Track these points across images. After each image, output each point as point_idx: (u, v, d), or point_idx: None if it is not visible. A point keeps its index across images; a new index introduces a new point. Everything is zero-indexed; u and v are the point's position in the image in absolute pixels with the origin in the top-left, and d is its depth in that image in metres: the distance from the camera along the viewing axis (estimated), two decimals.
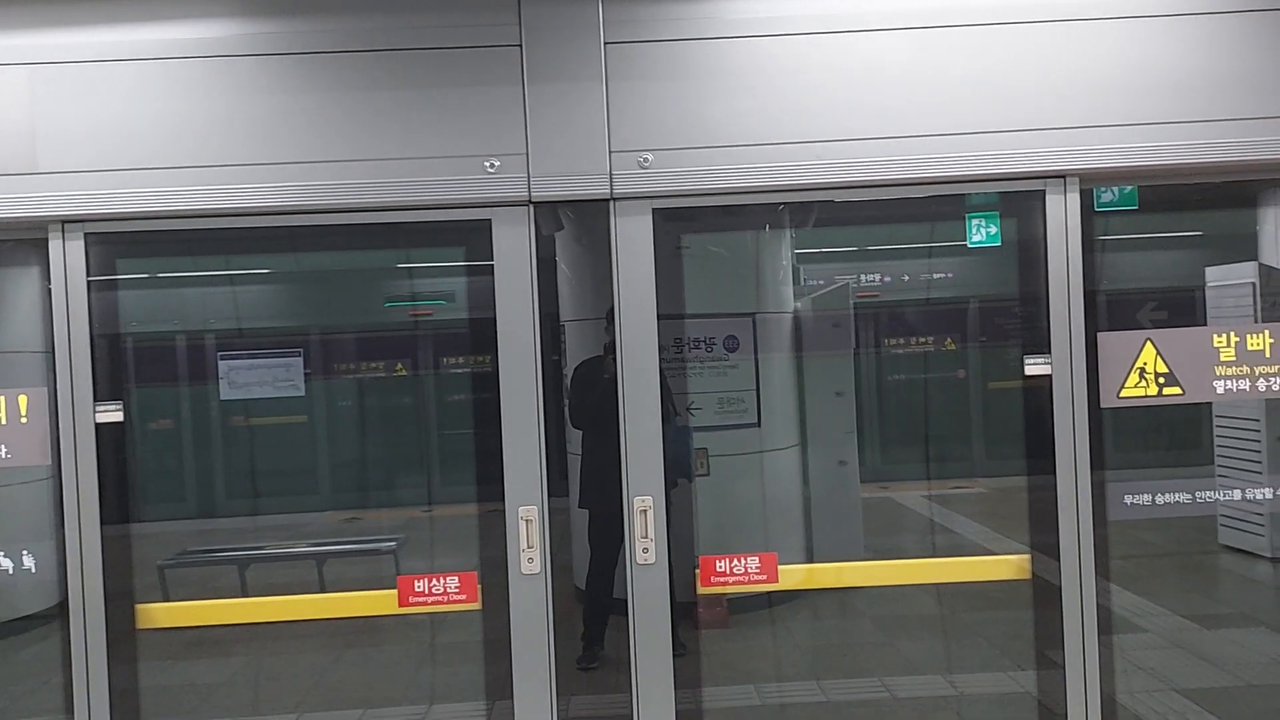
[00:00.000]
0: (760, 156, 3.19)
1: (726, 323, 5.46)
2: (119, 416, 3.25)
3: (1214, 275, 5.77)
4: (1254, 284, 5.19)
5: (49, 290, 3.23)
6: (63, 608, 3.27)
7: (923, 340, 6.89)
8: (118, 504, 3.28)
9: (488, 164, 3.18)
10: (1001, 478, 6.53)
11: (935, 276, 6.65)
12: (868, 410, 6.82)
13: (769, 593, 5.33)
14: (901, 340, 6.90)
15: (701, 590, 3.39)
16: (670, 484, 3.31)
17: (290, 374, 3.81)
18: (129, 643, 3.30)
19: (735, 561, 3.38)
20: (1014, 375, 3.51)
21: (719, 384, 5.45)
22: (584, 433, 3.64)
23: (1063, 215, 3.28)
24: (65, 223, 3.20)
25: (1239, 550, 6.37)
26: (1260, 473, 5.80)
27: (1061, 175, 3.26)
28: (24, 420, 3.27)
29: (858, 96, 3.22)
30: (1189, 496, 3.47)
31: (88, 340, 3.22)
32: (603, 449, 3.32)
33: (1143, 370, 3.36)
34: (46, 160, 3.15)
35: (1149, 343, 3.36)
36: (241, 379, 3.79)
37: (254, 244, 4.19)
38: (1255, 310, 5.00)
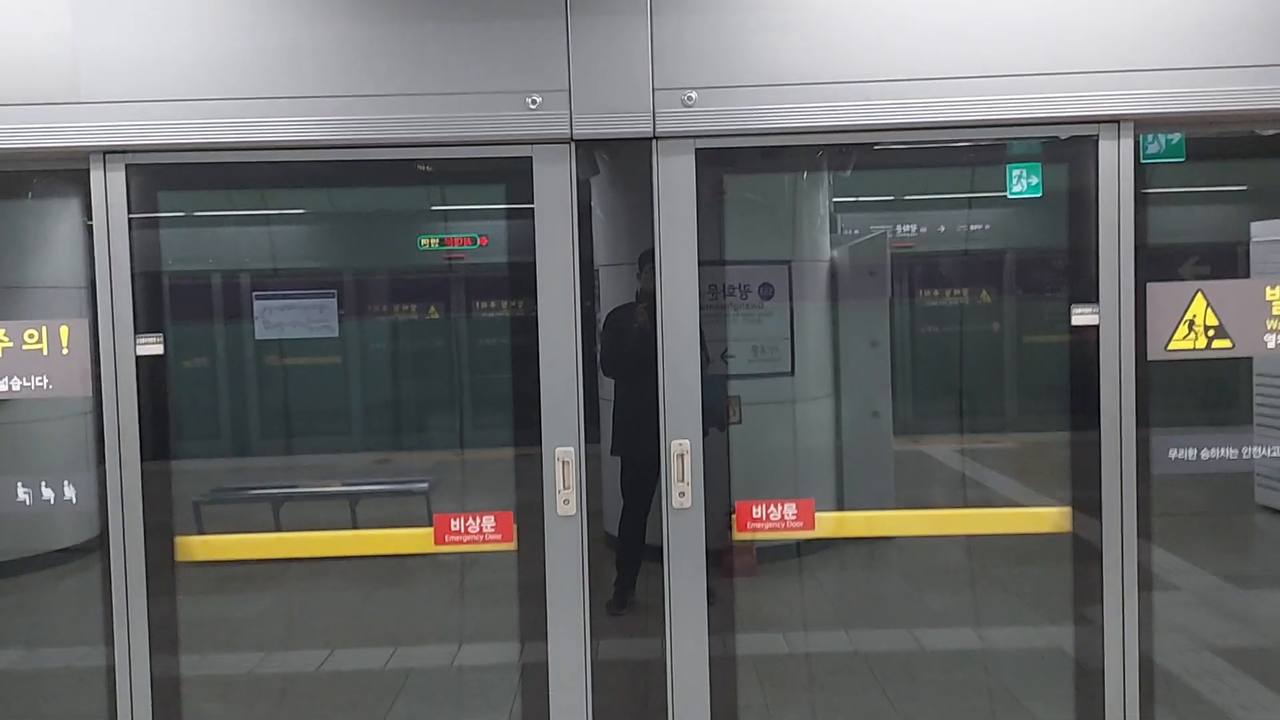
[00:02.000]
0: (807, 96, 3.12)
1: (762, 270, 5.40)
2: (159, 349, 3.26)
3: (1260, 230, 5.65)
4: None
5: (89, 226, 3.23)
6: (101, 540, 3.31)
7: (958, 292, 6.79)
8: (157, 438, 3.30)
9: (529, 100, 3.13)
10: (1040, 433, 6.47)
11: (974, 228, 6.54)
12: (902, 361, 6.75)
13: (798, 543, 5.33)
14: (938, 291, 6.81)
15: (737, 536, 3.38)
16: (703, 433, 3.29)
17: (324, 315, 3.81)
18: (167, 575, 3.34)
19: (772, 507, 3.36)
20: (1054, 329, 3.45)
21: (753, 332, 5.41)
22: (616, 381, 3.62)
23: (1115, 161, 3.20)
24: (106, 153, 3.18)
25: (1276, 511, 6.32)
26: None
27: (1116, 120, 3.17)
28: (65, 352, 3.28)
29: (908, 34, 3.13)
30: (1233, 452, 3.41)
31: (128, 270, 3.22)
32: (635, 397, 3.30)
33: (1192, 322, 3.29)
34: (88, 89, 3.13)
35: (1200, 294, 3.29)
36: (276, 319, 3.79)
37: (293, 181, 4.17)
38: None
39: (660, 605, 3.29)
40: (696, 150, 3.19)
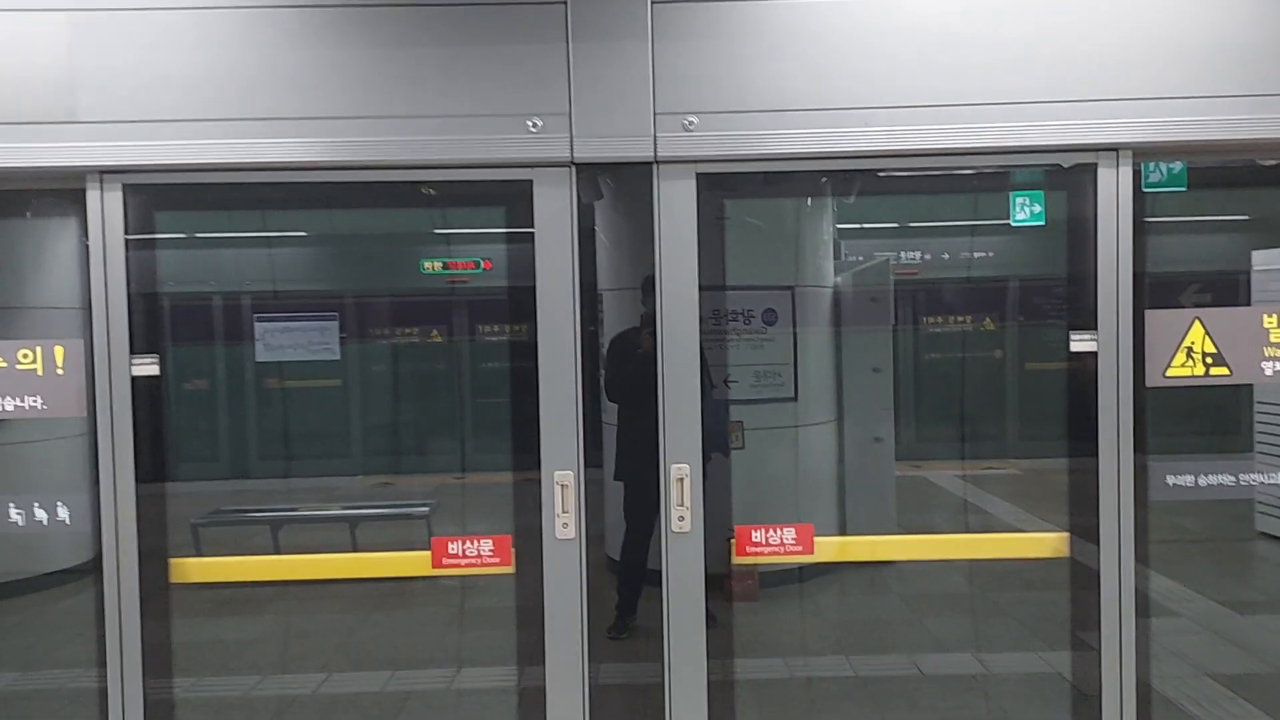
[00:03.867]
0: (806, 121, 3.13)
1: (765, 295, 5.41)
2: (155, 370, 3.26)
3: (1261, 259, 5.66)
4: None
5: (86, 245, 3.23)
6: (96, 562, 3.29)
7: (961, 319, 6.81)
8: (153, 459, 3.30)
9: (530, 123, 3.14)
10: (1040, 459, 6.47)
11: (976, 255, 6.57)
12: (905, 387, 6.76)
13: (799, 567, 5.31)
14: (940, 318, 6.83)
15: (736, 560, 3.37)
16: (705, 457, 3.28)
17: (325, 338, 3.81)
18: (162, 597, 3.33)
19: (771, 532, 3.35)
20: (1053, 356, 3.45)
21: (756, 357, 5.41)
22: (620, 405, 3.62)
23: (1114, 189, 3.21)
24: (104, 173, 3.18)
25: (1276, 537, 6.30)
26: None
27: (1115, 148, 3.18)
28: (60, 372, 3.27)
29: (906, 62, 3.14)
30: (1231, 479, 3.41)
31: (124, 291, 3.22)
32: (639, 422, 3.29)
33: (1190, 349, 3.29)
34: (85, 110, 3.13)
35: (1197, 321, 3.29)
36: (276, 341, 3.79)
37: (293, 202, 4.19)
38: None
39: (659, 629, 3.27)
40: (697, 175, 3.20)
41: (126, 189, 3.20)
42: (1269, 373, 3.30)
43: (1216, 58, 3.13)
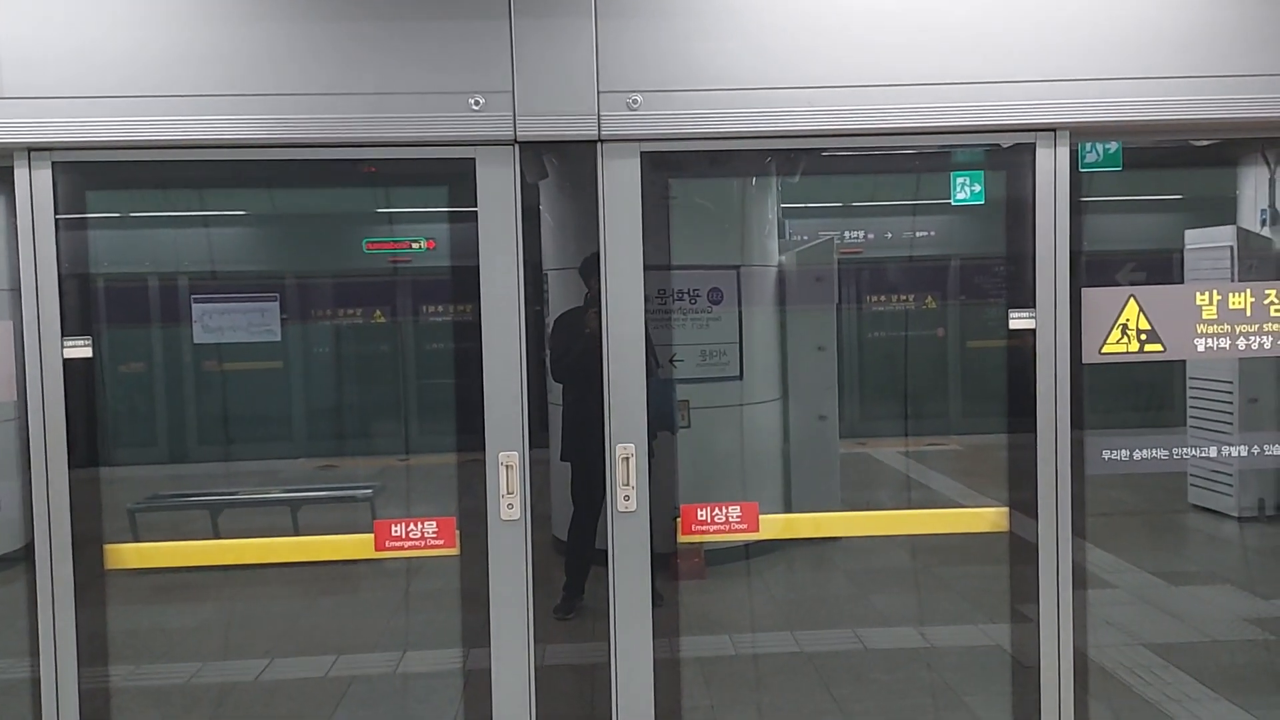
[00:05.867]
0: (750, 101, 3.13)
1: (711, 275, 5.42)
2: (87, 352, 3.18)
3: (1193, 238, 5.78)
4: (1232, 247, 5.21)
5: (15, 224, 3.13)
6: (29, 550, 3.21)
7: (904, 298, 6.89)
8: (86, 444, 3.22)
9: (472, 101, 3.10)
10: (981, 435, 6.57)
11: (919, 234, 6.64)
12: (849, 366, 6.83)
13: (746, 545, 5.35)
14: (884, 297, 6.91)
15: (682, 539, 3.38)
16: (652, 436, 3.28)
17: (266, 319, 3.75)
18: (98, 584, 3.26)
19: (716, 510, 3.37)
20: (993, 334, 3.49)
21: (702, 336, 5.43)
22: (565, 385, 3.60)
23: (1052, 169, 3.25)
24: (31, 150, 3.08)
25: (1207, 509, 6.46)
26: (1230, 434, 5.86)
27: (1052, 128, 3.22)
28: None
29: (850, 42, 3.15)
30: (1165, 453, 3.48)
31: (55, 271, 3.12)
32: (585, 402, 3.28)
33: (1125, 327, 3.35)
34: (11, 84, 3.02)
35: (1132, 299, 3.35)
36: (215, 323, 3.72)
37: (231, 181, 4.10)
38: (1233, 273, 5.02)
39: (605, 609, 3.27)
40: (642, 154, 3.18)
41: (56, 166, 3.11)
42: (1201, 349, 3.38)
43: (1153, 39, 3.18)
